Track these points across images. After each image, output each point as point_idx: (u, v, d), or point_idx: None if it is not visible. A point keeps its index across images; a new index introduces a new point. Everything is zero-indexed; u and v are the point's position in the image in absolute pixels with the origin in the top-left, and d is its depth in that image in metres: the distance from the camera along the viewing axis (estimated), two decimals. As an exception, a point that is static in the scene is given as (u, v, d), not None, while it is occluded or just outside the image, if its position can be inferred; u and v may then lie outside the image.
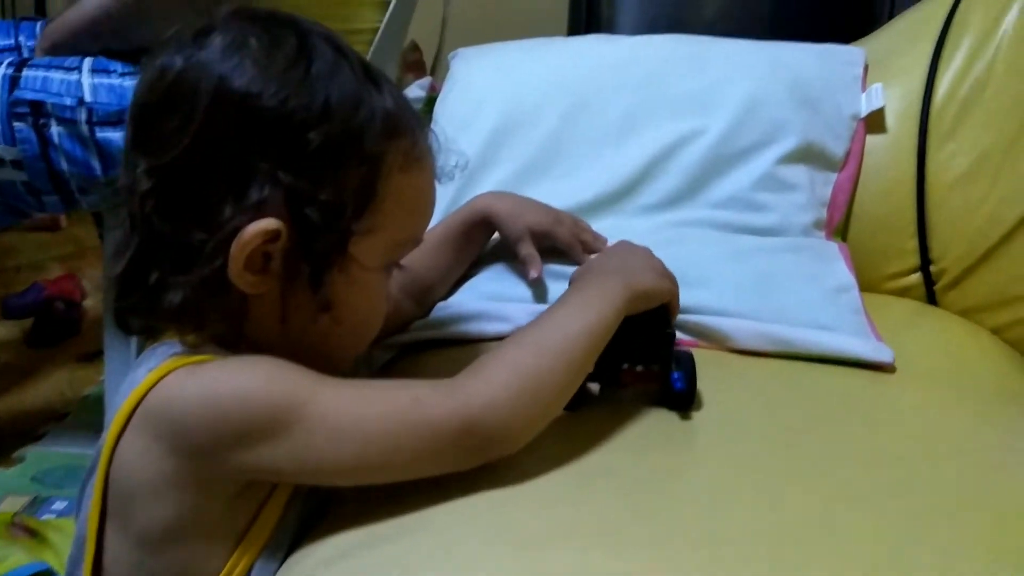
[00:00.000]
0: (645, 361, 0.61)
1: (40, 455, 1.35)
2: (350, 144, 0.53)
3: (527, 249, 0.81)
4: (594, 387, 0.63)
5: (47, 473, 1.30)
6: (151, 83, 0.54)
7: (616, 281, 0.60)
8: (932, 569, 0.46)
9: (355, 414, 0.51)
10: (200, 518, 0.53)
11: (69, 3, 1.13)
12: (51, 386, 1.58)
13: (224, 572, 0.53)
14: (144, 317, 0.57)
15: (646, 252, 0.67)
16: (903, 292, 0.95)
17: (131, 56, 1.10)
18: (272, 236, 0.52)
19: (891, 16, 1.91)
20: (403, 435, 0.50)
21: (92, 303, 1.93)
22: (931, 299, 0.94)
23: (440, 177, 0.62)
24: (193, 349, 0.55)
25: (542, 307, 0.76)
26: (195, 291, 0.53)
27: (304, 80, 0.53)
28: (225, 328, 0.56)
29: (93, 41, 1.11)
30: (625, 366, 0.61)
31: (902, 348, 0.75)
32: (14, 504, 1.21)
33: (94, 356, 1.69)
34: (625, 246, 0.69)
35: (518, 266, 0.81)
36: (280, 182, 0.52)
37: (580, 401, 0.59)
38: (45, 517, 1.17)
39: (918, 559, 0.47)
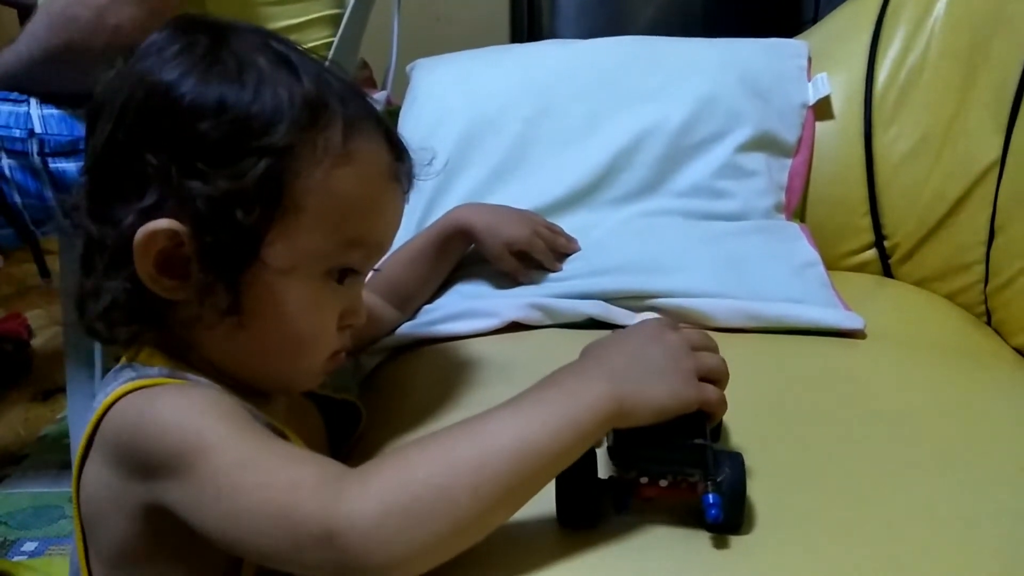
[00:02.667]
0: (672, 473, 0.47)
1: (3, 498, 1.31)
2: (248, 136, 0.49)
3: (509, 266, 0.83)
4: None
5: (12, 515, 1.27)
6: (97, 95, 0.54)
7: (603, 386, 0.45)
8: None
9: (237, 481, 0.44)
10: (157, 545, 0.50)
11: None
12: (6, 428, 1.54)
13: None
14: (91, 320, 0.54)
15: (676, 346, 0.49)
16: (860, 268, 1.00)
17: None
18: (173, 238, 0.50)
19: (816, 16, 2.01)
20: (265, 520, 0.43)
21: (40, 341, 1.88)
22: (887, 272, 1.00)
23: (415, 177, 0.57)
24: (148, 368, 0.52)
25: (531, 297, 0.79)
26: (120, 296, 0.51)
27: (205, 74, 0.50)
28: (165, 337, 0.53)
29: (31, 84, 1.10)
30: (644, 480, 0.47)
31: (866, 317, 0.79)
32: (-19, 547, 1.18)
33: (48, 395, 1.65)
34: (651, 332, 0.50)
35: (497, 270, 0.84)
36: (170, 175, 0.49)
37: (587, 518, 0.47)
38: (16, 559, 1.14)
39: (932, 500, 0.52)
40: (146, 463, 0.47)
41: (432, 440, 0.44)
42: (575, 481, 0.46)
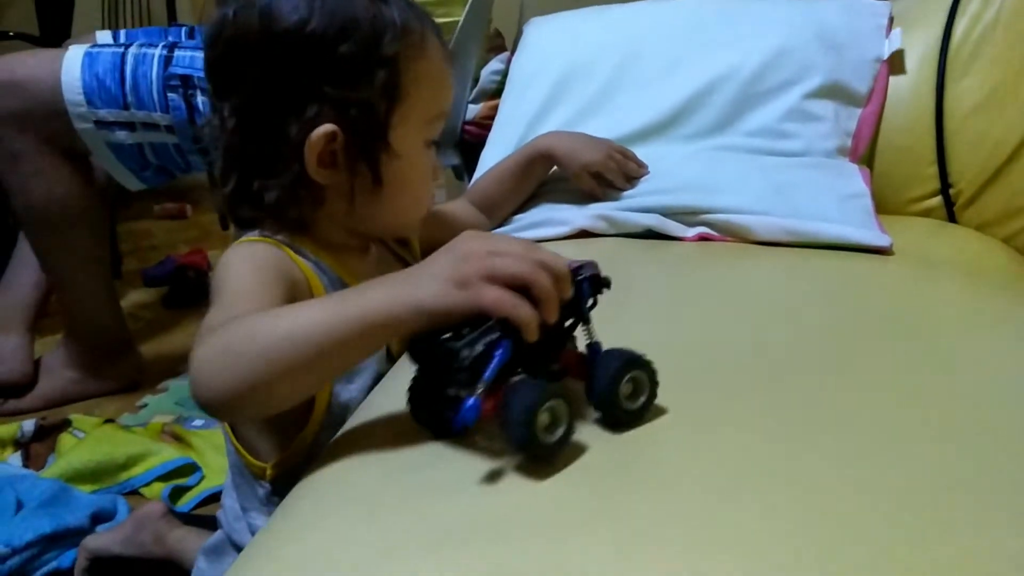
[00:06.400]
0: (447, 382, 0.47)
1: (181, 386, 1.56)
2: (370, 50, 0.65)
3: (586, 184, 0.98)
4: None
5: (186, 399, 1.51)
6: (214, 37, 0.68)
7: (382, 292, 0.49)
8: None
9: (222, 307, 0.58)
10: None
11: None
12: (187, 337, 1.82)
13: (311, 413, 0.64)
14: (250, 212, 0.70)
15: (463, 253, 0.48)
16: (926, 213, 1.07)
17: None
18: (331, 137, 0.65)
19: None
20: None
21: (217, 274, 2.18)
22: (951, 218, 1.06)
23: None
24: (262, 232, 0.69)
25: (598, 210, 0.93)
26: (285, 190, 0.67)
27: (323, 7, 0.65)
28: (301, 215, 0.69)
29: None
30: (464, 394, 0.45)
31: (923, 253, 0.87)
32: (162, 419, 1.43)
33: (221, 315, 1.92)
34: (452, 243, 0.50)
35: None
36: (325, 91, 0.65)
37: (434, 428, 0.50)
38: (188, 428, 1.39)
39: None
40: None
41: (262, 313, 0.53)
42: (421, 393, 0.50)
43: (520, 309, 0.45)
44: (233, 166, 0.69)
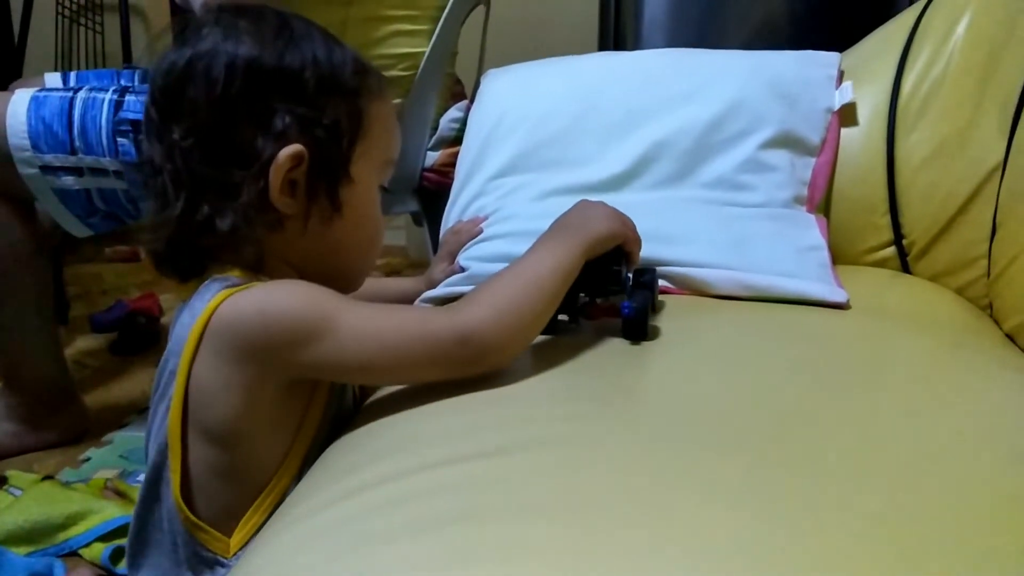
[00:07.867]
0: (604, 295, 0.74)
1: (126, 438, 1.52)
2: (335, 79, 0.68)
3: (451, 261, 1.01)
4: (564, 319, 0.75)
5: (132, 452, 1.47)
6: (165, 73, 0.66)
7: (574, 232, 0.71)
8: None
9: (375, 325, 0.62)
10: (257, 416, 0.63)
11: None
12: (133, 386, 1.76)
13: (285, 462, 0.66)
14: (196, 249, 0.67)
15: (600, 205, 0.76)
16: (881, 264, 1.08)
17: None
18: (298, 159, 0.65)
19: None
20: (410, 343, 0.61)
21: (169, 319, 2.12)
22: (905, 269, 1.06)
23: None
24: (232, 279, 0.65)
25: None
26: (241, 216, 0.64)
27: (290, 41, 0.67)
28: (258, 253, 0.67)
29: None
30: (584, 298, 0.74)
31: (878, 304, 0.87)
32: (105, 474, 1.38)
33: (171, 362, 1.87)
34: (582, 203, 0.77)
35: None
36: (293, 112, 0.65)
37: (553, 329, 0.73)
38: (133, 484, 1.33)
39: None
40: (275, 341, 0.60)
41: (503, 272, 0.67)
42: (573, 302, 0.72)
43: (639, 243, 0.78)
44: (181, 192, 0.65)
